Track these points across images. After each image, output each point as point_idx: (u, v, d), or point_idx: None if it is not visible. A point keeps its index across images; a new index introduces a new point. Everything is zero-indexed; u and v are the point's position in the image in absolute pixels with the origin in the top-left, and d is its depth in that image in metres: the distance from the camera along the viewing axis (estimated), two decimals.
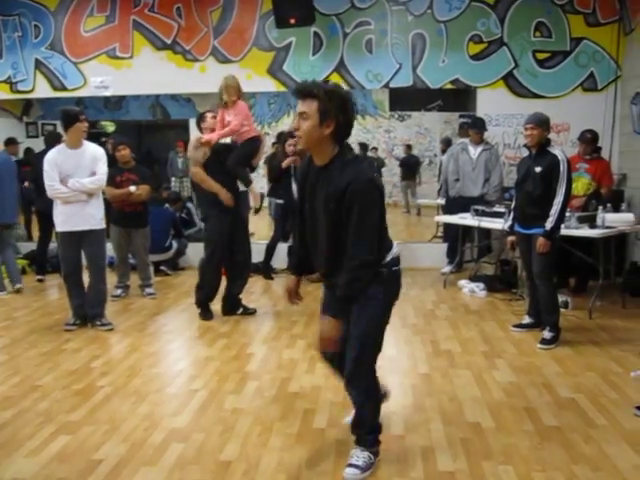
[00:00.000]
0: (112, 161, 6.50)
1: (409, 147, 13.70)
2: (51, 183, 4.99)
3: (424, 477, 2.81)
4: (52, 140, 6.28)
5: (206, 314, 5.58)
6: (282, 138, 7.38)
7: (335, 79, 7.36)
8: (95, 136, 11.03)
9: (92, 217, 5.11)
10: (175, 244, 7.60)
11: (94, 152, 5.14)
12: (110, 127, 9.06)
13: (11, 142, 9.98)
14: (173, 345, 4.93)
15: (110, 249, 6.01)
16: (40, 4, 7.67)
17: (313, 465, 2.94)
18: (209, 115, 5.55)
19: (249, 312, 5.76)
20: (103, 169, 5.12)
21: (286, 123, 13.24)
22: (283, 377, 4.11)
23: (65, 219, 5.08)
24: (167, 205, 7.97)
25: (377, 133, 14.21)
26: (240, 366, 4.36)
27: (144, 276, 6.51)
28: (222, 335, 5.09)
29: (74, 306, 5.28)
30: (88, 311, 5.29)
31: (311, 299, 6.18)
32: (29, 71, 7.81)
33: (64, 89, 7.80)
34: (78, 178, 5.00)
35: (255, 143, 5.47)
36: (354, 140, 12.60)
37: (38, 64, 7.78)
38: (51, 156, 5.06)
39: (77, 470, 2.91)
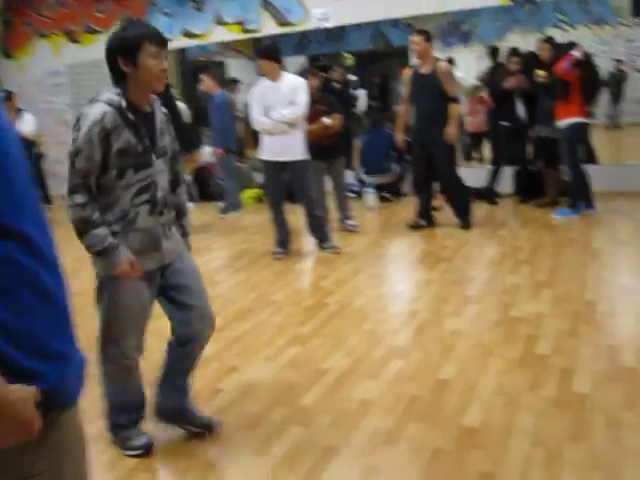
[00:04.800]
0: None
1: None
2: (255, 116, 5.23)
3: None
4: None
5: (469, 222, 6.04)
6: (498, 54, 6.98)
7: None
8: (320, 68, 11.41)
9: (294, 148, 5.23)
10: (397, 167, 7.65)
11: (293, 82, 5.20)
12: (349, 60, 9.29)
13: (232, 82, 10.70)
14: (395, 268, 5.06)
15: None
16: None
17: (534, 390, 2.87)
18: None
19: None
20: (302, 99, 5.15)
21: (511, 40, 12.45)
22: (505, 302, 4.02)
23: (269, 149, 5.28)
24: (389, 126, 8.00)
25: (616, 44, 12.76)
26: (461, 289, 4.34)
27: (343, 207, 6.42)
28: (443, 259, 5.09)
29: (278, 234, 5.51)
30: (313, 235, 5.59)
31: (540, 224, 5.91)
32: (256, 10, 8.22)
33: (289, 24, 8.10)
34: (279, 109, 5.12)
35: None
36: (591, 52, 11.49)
37: (264, 2, 8.14)
38: (254, 90, 5.31)
39: (306, 376, 3.17)
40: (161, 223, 2.44)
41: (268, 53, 5.17)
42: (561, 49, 6.08)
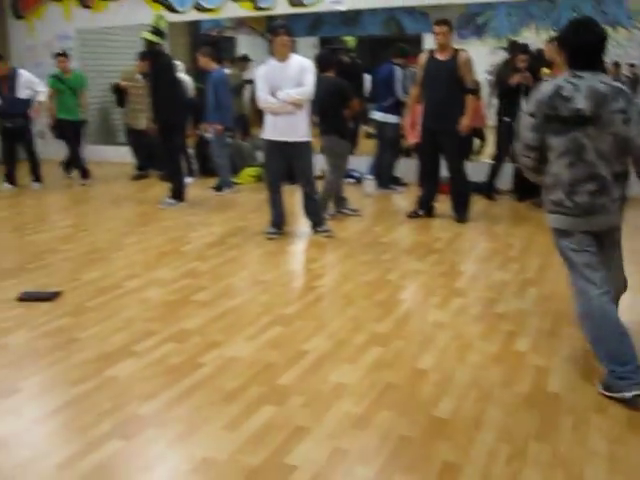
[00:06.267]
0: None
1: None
2: (261, 94, 5.22)
3: None
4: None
5: None
6: (513, 50, 6.95)
7: None
8: (333, 50, 11.36)
9: (299, 128, 5.24)
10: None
11: (301, 64, 5.22)
12: (352, 42, 9.62)
13: (242, 59, 10.64)
14: (386, 256, 5.06)
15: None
16: None
17: (507, 386, 2.91)
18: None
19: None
20: (310, 80, 5.18)
21: (526, 37, 12.36)
22: (490, 297, 4.06)
23: (272, 128, 5.28)
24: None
25: (630, 47, 12.67)
26: (448, 282, 4.37)
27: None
28: (434, 251, 5.11)
29: (273, 215, 5.54)
30: (308, 218, 5.61)
31: (534, 223, 5.92)
32: None
33: (301, 5, 8.07)
34: (287, 90, 5.13)
35: None
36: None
37: None
38: (261, 70, 5.31)
39: (286, 357, 3.21)
40: None
41: (289, 30, 5.23)
42: None
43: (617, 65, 12.37)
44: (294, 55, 5.32)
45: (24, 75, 7.72)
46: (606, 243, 2.95)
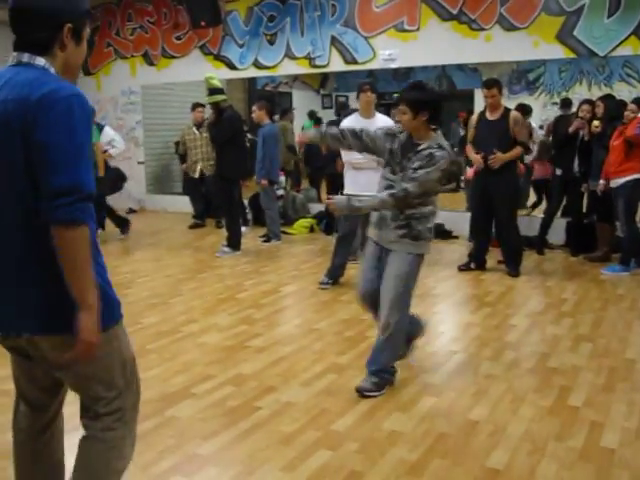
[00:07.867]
0: None
1: None
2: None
3: None
4: (342, 110, 6.80)
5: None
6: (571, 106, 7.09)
7: (633, 43, 6.75)
8: (386, 106, 11.64)
9: None
10: None
11: (385, 122, 5.38)
12: None
13: (285, 110, 10.90)
14: (438, 308, 5.13)
15: None
16: None
17: (561, 440, 2.91)
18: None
19: None
20: None
21: (577, 92, 12.43)
22: (543, 351, 4.06)
23: (354, 184, 5.39)
24: None
25: None
26: (500, 335, 4.40)
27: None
28: (487, 304, 5.14)
29: (334, 266, 5.62)
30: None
31: (588, 278, 5.89)
32: (325, 47, 8.52)
33: (355, 63, 8.37)
34: None
35: None
36: None
37: (333, 40, 8.44)
38: (346, 123, 5.42)
39: (340, 404, 3.29)
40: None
41: (374, 87, 5.51)
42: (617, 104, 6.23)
43: None
44: (379, 114, 5.57)
45: (108, 133, 7.97)
46: None
